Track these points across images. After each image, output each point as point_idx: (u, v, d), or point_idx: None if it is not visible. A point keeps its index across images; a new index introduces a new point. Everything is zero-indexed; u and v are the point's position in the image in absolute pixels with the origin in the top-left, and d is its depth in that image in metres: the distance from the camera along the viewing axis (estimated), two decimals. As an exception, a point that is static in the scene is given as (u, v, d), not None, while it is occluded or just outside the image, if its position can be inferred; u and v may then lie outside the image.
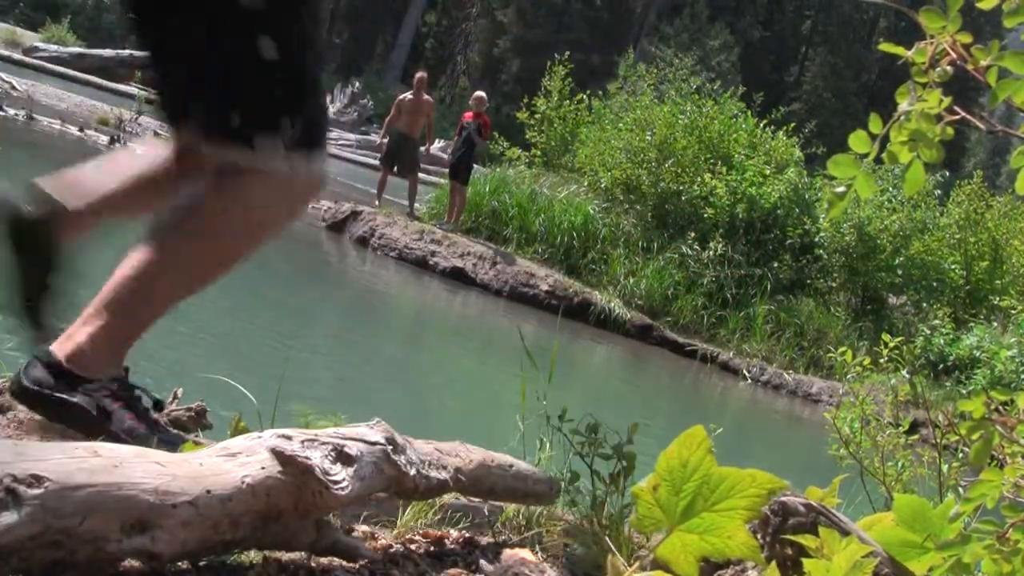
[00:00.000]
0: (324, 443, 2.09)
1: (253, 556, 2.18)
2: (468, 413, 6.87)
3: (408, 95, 14.68)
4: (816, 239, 14.51)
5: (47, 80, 21.82)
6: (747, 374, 12.76)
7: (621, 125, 16.02)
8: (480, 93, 14.60)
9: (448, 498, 2.97)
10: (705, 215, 14.35)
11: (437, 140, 29.38)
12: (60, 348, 2.13)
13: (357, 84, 33.28)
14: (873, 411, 3.91)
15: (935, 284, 14.62)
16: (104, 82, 24.76)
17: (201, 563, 2.04)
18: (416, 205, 15.16)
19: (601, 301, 13.13)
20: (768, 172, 14.73)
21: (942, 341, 12.78)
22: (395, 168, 15.01)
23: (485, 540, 2.78)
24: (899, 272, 14.39)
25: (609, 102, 18.90)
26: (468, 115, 14.33)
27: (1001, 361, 11.89)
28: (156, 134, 17.64)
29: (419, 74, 15.26)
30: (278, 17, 1.91)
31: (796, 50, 48.15)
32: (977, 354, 12.43)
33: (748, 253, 14.24)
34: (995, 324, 13.49)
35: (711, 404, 10.69)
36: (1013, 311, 13.34)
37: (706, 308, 13.64)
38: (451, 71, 44.15)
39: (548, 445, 3.20)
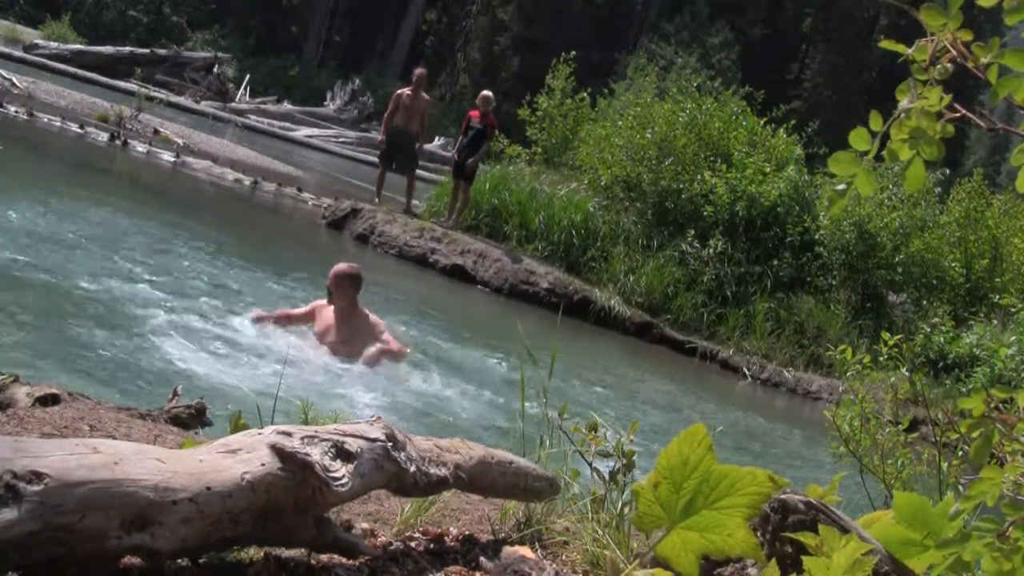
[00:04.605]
0: (324, 440, 2.10)
1: (253, 553, 2.18)
2: (467, 410, 6.87)
3: (406, 90, 14.63)
4: (816, 237, 14.50)
5: (47, 77, 21.81)
6: (747, 372, 12.75)
7: (621, 123, 16.00)
8: (487, 92, 14.55)
9: (448, 495, 2.98)
10: (705, 213, 14.34)
11: (438, 138, 29.41)
12: None
13: (357, 81, 33.26)
14: (873, 409, 3.92)
15: (935, 282, 14.60)
16: (104, 79, 24.76)
17: (201, 560, 2.04)
18: (415, 202, 15.14)
19: (601, 298, 13.12)
20: (768, 170, 14.72)
21: (942, 339, 12.76)
22: (393, 165, 14.98)
23: (485, 537, 2.78)
24: (899, 270, 14.38)
25: (614, 101, 18.89)
26: (474, 113, 14.26)
27: (1001, 359, 11.87)
28: (156, 132, 17.63)
29: (419, 70, 15.22)
30: None
31: (796, 48, 48.05)
32: (977, 352, 12.41)
33: (748, 251, 14.23)
34: (995, 322, 13.47)
35: (711, 402, 10.69)
36: (1013, 309, 13.32)
37: (706, 305, 13.62)
38: (451, 69, 44.10)
39: (548, 442, 3.20)
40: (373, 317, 6.83)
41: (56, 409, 3.26)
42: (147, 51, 29.51)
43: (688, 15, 42.56)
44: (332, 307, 6.74)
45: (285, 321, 6.99)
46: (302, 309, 7.06)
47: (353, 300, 6.73)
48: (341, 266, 6.80)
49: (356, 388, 6.34)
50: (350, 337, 6.69)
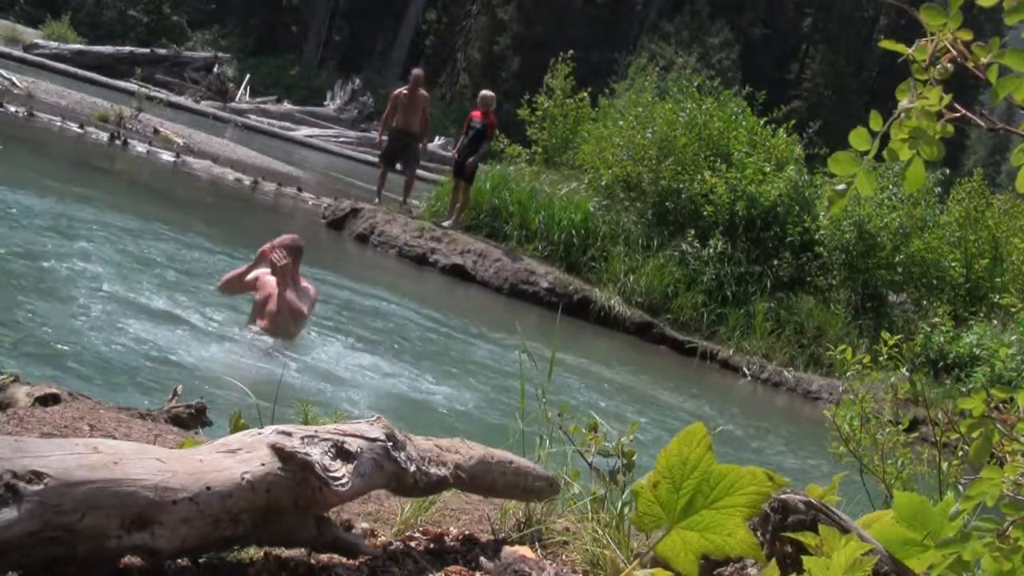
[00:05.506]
0: (324, 439, 2.10)
1: (253, 553, 2.18)
2: (468, 410, 6.87)
3: (403, 90, 14.64)
4: (816, 236, 14.50)
5: (47, 77, 21.80)
6: (747, 371, 12.75)
7: (622, 122, 16.00)
8: (488, 92, 14.55)
9: (448, 495, 2.98)
10: (705, 212, 14.34)
11: (438, 137, 29.41)
12: None
13: (357, 81, 33.25)
14: (873, 409, 3.91)
15: (935, 282, 14.60)
16: (104, 79, 24.75)
17: (201, 560, 2.04)
18: (414, 201, 15.12)
19: (601, 298, 13.12)
20: (768, 170, 14.72)
21: (942, 339, 12.76)
22: (396, 165, 14.96)
23: (485, 537, 2.78)
24: (899, 270, 14.38)
25: (615, 101, 18.89)
26: (476, 113, 14.25)
27: (1001, 359, 11.87)
28: (156, 131, 17.62)
29: (415, 70, 15.25)
30: None
31: (797, 48, 48.05)
32: (977, 352, 12.41)
33: (748, 250, 14.23)
34: (995, 322, 13.47)
35: (711, 401, 10.69)
36: (1013, 309, 13.32)
37: (706, 305, 13.62)
38: (451, 69, 44.09)
39: (548, 442, 3.20)
40: (312, 289, 6.98)
41: (56, 409, 3.26)
42: (147, 51, 29.48)
43: (688, 15, 42.54)
44: (274, 277, 6.86)
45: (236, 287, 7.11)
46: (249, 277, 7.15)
47: (294, 270, 6.87)
48: (284, 238, 6.93)
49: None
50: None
